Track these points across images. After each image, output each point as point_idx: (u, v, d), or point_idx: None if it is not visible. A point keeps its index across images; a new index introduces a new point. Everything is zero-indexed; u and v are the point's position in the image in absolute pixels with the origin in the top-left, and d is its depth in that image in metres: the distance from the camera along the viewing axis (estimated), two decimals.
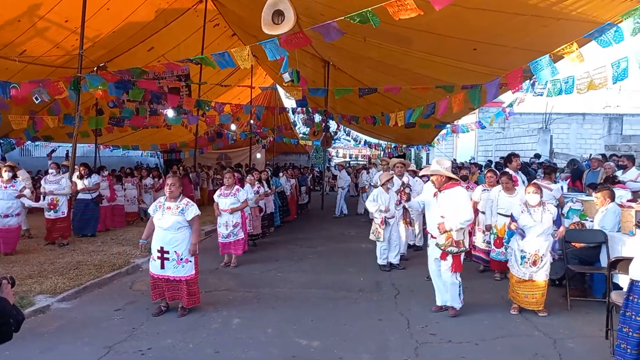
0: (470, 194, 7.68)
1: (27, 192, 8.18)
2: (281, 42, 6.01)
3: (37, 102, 8.59)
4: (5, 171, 7.89)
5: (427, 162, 28.18)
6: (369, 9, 4.90)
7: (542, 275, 5.18)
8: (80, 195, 9.51)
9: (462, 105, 7.86)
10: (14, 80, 9.10)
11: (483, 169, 11.97)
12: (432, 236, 5.37)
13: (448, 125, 14.96)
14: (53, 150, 10.12)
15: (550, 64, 5.53)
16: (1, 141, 16.44)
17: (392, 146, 24.20)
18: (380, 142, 24.59)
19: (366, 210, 14.76)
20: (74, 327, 4.87)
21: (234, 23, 14.39)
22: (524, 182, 7.15)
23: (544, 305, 5.25)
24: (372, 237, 7.37)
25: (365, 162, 27.24)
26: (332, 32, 5.46)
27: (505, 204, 6.41)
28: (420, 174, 6.58)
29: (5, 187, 7.82)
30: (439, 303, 5.44)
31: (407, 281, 6.76)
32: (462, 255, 5.24)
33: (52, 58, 11.28)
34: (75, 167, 9.60)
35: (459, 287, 5.25)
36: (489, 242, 6.93)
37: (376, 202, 7.08)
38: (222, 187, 7.75)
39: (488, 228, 6.86)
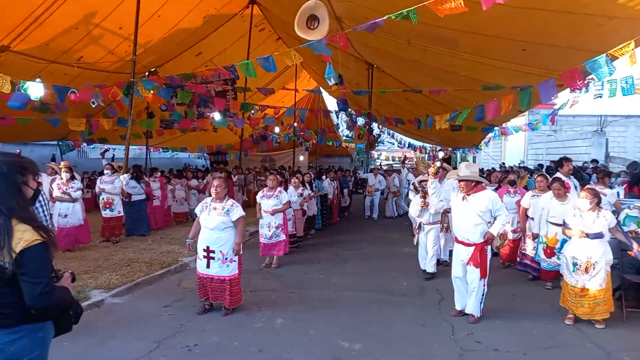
0: (516, 198, 7.47)
1: (77, 194, 8.49)
2: (325, 43, 6.06)
3: (93, 106, 9.03)
4: (64, 172, 8.31)
5: None
6: (413, 7, 4.84)
7: (595, 284, 4.94)
8: (132, 197, 9.89)
9: (515, 107, 7.59)
10: (72, 85, 9.63)
11: (533, 173, 11.54)
12: (457, 240, 5.33)
13: (496, 128, 14.54)
14: (106, 150, 10.65)
15: (607, 62, 5.28)
16: (60, 143, 17.40)
17: (437, 149, 23.75)
18: (425, 144, 24.17)
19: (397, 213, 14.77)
20: (126, 322, 5.09)
21: (279, 27, 14.60)
22: (576, 187, 6.85)
23: (603, 316, 5.00)
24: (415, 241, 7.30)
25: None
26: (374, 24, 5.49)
27: (557, 212, 6.14)
28: (450, 179, 6.34)
29: (65, 188, 8.23)
30: (458, 307, 5.41)
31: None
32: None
33: (107, 64, 11.83)
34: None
35: (483, 295, 5.19)
36: (535, 249, 6.68)
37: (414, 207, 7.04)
38: (265, 189, 7.86)
39: (535, 236, 6.62)
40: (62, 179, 8.28)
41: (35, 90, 8.01)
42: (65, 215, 8.19)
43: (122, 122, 12.78)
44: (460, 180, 5.18)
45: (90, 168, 17.33)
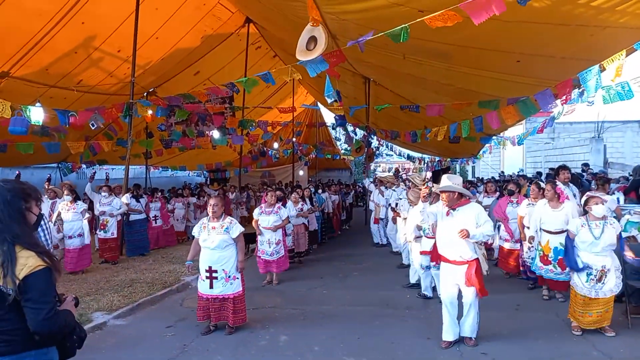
0: (519, 208, 7.46)
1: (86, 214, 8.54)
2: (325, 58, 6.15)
3: (93, 127, 9.10)
4: (66, 194, 8.35)
5: (473, 175, 27.53)
6: (406, 25, 4.92)
7: (607, 291, 4.90)
8: (132, 217, 9.91)
9: (517, 117, 7.63)
10: (72, 109, 9.72)
11: (532, 181, 11.56)
12: (443, 259, 4.92)
13: (494, 138, 14.62)
14: (94, 173, 10.79)
15: (598, 74, 5.35)
16: (60, 165, 17.45)
17: (436, 160, 23.84)
18: (424, 155, 24.25)
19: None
20: (129, 344, 5.06)
21: (275, 44, 14.76)
22: (574, 195, 6.86)
23: (610, 323, 4.97)
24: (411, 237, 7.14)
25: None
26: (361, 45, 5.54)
27: (550, 219, 6.11)
28: (434, 190, 6.16)
29: (69, 210, 8.27)
30: (450, 338, 4.84)
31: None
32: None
33: (106, 86, 11.93)
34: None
35: (478, 313, 4.81)
36: (533, 258, 6.68)
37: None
38: (263, 205, 7.84)
39: (531, 240, 6.58)
40: (64, 201, 8.33)
41: (36, 114, 8.07)
42: (70, 237, 8.20)
43: (121, 142, 12.88)
44: (441, 192, 4.83)
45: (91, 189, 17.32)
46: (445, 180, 4.82)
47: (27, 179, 15.96)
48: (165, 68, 13.10)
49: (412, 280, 7.22)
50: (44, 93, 10.36)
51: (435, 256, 5.86)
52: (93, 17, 9.12)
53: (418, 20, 4.70)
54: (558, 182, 6.73)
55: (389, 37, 5.07)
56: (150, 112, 9.76)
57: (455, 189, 4.75)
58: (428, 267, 6.50)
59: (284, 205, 8.82)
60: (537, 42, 5.82)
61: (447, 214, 4.82)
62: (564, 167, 7.16)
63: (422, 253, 6.51)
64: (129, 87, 10.08)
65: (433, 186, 6.13)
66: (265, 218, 7.66)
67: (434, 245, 5.38)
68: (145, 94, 13.97)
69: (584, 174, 12.73)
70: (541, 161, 22.18)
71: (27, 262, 2.04)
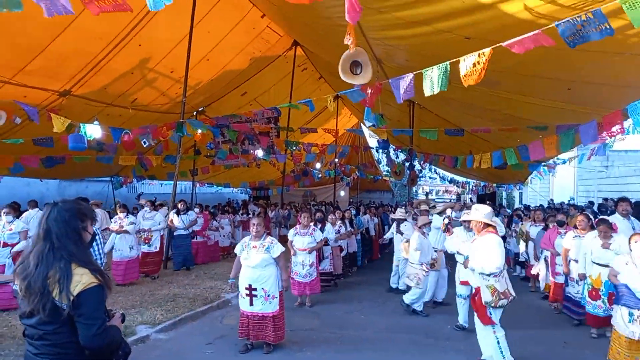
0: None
1: (130, 227, 8.89)
2: (362, 89, 6.18)
3: (145, 145, 9.52)
4: (120, 211, 8.85)
5: (520, 202, 26.65)
6: (447, 63, 4.87)
7: None
8: (177, 232, 10.22)
9: (555, 151, 7.43)
10: (125, 126, 10.23)
11: (584, 211, 11.05)
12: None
13: (543, 165, 14.15)
14: (140, 194, 11.40)
15: None
16: (112, 179, 18.29)
17: (481, 184, 23.29)
18: (468, 180, 23.77)
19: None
20: (170, 358, 5.18)
21: (321, 67, 15.02)
22: (633, 228, 6.51)
23: None
24: (411, 282, 7.11)
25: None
26: (407, 89, 5.47)
27: (601, 252, 5.87)
28: (460, 220, 6.36)
29: (121, 225, 8.66)
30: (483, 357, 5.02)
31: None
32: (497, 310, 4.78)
33: (158, 105, 12.48)
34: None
35: (498, 342, 4.76)
36: (581, 293, 6.36)
37: (420, 249, 6.99)
38: (298, 226, 7.83)
39: (581, 277, 6.30)
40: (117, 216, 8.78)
41: (93, 131, 8.55)
42: (120, 250, 8.54)
43: (169, 159, 13.40)
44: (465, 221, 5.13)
45: (139, 204, 18.03)
46: (474, 211, 5.05)
47: (82, 191, 16.77)
48: (214, 88, 13.58)
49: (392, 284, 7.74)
50: (101, 111, 10.96)
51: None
52: (149, 40, 9.62)
53: (455, 59, 4.66)
54: (618, 214, 6.44)
55: (429, 82, 5.02)
56: (199, 131, 10.11)
57: (479, 219, 4.92)
58: (466, 297, 6.33)
59: (323, 226, 8.84)
60: (589, 69, 5.65)
61: (473, 241, 5.07)
62: (623, 199, 6.82)
63: (462, 283, 6.38)
64: (180, 106, 10.52)
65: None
66: (299, 239, 7.64)
67: None
68: (194, 113, 14.52)
69: None
70: (594, 190, 21.19)
71: (82, 279, 2.16)
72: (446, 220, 6.58)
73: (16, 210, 7.21)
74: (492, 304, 4.67)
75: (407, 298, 7.24)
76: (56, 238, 2.21)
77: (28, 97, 9.15)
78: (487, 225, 4.86)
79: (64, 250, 2.19)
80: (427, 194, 20.84)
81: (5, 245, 6.71)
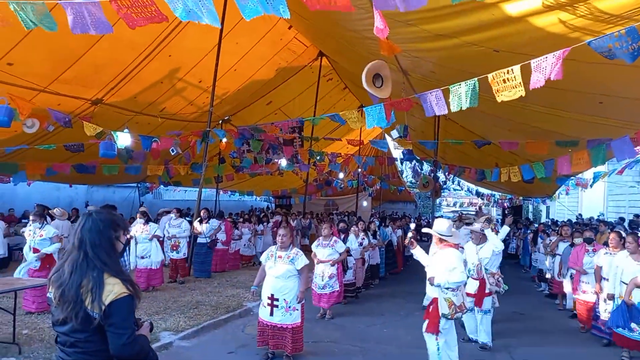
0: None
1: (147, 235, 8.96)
2: (386, 106, 6.16)
3: (173, 153, 9.70)
4: (139, 217, 9.01)
5: (547, 217, 26.07)
6: (475, 79, 4.84)
7: None
8: (198, 239, 10.34)
9: (585, 166, 7.26)
10: (153, 134, 10.44)
11: (614, 227, 10.75)
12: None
13: (571, 179, 13.82)
14: (163, 212, 11.73)
15: None
16: (138, 185, 18.66)
17: (507, 197, 22.88)
18: (494, 193, 23.38)
19: None
20: None
21: (346, 77, 15.06)
22: None
23: None
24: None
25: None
26: (439, 105, 5.45)
27: (632, 272, 5.66)
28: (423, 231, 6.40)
29: (142, 232, 8.80)
30: None
31: (525, 350, 6.22)
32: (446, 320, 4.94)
33: (186, 114, 12.71)
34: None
35: (438, 349, 4.94)
36: (611, 313, 6.15)
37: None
38: (320, 237, 7.82)
39: (610, 297, 6.12)
40: (138, 224, 8.95)
41: (123, 139, 8.75)
42: (142, 257, 8.68)
43: (195, 167, 13.63)
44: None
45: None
46: (434, 225, 5.29)
47: (109, 197, 17.17)
48: (241, 98, 13.76)
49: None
50: (131, 119, 11.21)
51: (478, 300, 6.14)
52: (179, 51, 9.83)
53: (485, 75, 4.61)
54: None
55: (456, 99, 4.99)
56: (224, 140, 10.25)
57: (434, 234, 5.16)
58: (472, 310, 6.23)
59: (347, 237, 8.81)
60: (621, 84, 5.51)
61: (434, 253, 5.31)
62: None
63: (468, 295, 6.29)
64: (206, 115, 10.69)
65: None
66: (321, 250, 7.61)
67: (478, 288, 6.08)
68: (220, 122, 14.73)
69: None
70: (625, 206, 20.56)
71: (113, 289, 2.20)
72: (410, 234, 6.50)
73: (42, 216, 7.40)
74: (449, 316, 4.87)
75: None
76: (90, 247, 2.27)
77: (62, 105, 9.44)
78: (440, 240, 5.11)
79: (97, 259, 2.24)
80: (479, 208, 20.47)
81: (35, 250, 6.89)
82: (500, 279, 6.34)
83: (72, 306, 2.16)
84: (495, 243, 6.27)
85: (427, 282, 5.31)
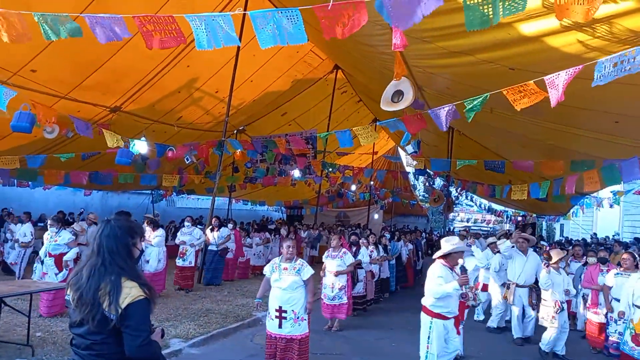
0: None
1: (156, 241, 8.98)
2: (404, 121, 6.23)
3: (187, 162, 9.84)
4: (147, 224, 9.08)
5: (561, 235, 25.74)
6: (487, 94, 4.88)
7: None
8: (209, 247, 10.42)
9: (595, 186, 7.20)
10: (169, 142, 10.62)
11: (629, 248, 10.59)
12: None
13: (586, 198, 13.66)
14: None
15: None
16: (152, 192, 18.88)
17: (520, 214, 22.65)
18: (506, 209, 23.17)
19: None
20: None
21: (361, 91, 15.17)
22: None
23: None
24: (545, 322, 6.70)
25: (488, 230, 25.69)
26: (448, 117, 5.50)
27: None
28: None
29: (148, 237, 8.88)
30: None
31: None
32: None
33: (202, 123, 12.89)
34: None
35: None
36: (621, 334, 6.05)
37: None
38: (330, 249, 7.84)
39: (621, 315, 5.99)
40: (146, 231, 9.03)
41: (140, 147, 8.91)
42: (147, 261, 8.76)
43: (209, 176, 13.78)
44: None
45: (178, 217, 18.47)
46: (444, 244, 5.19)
47: (124, 203, 17.37)
48: (256, 108, 13.94)
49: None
50: (148, 127, 11.41)
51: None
52: (197, 61, 10.01)
53: (499, 90, 4.65)
54: None
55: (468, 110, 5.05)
56: (239, 150, 10.38)
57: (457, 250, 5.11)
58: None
59: (358, 249, 8.81)
60: (637, 104, 5.49)
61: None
62: None
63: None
64: (222, 124, 10.84)
65: None
66: (330, 261, 7.62)
67: None
68: (235, 132, 14.90)
69: None
70: None
71: (131, 292, 2.27)
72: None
73: (60, 221, 7.55)
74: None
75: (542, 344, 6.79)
76: (108, 253, 2.34)
77: (81, 112, 9.65)
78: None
79: (115, 264, 2.31)
80: (502, 230, 20.40)
81: (50, 255, 7.04)
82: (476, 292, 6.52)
83: (89, 309, 2.23)
84: (479, 258, 6.48)
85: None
